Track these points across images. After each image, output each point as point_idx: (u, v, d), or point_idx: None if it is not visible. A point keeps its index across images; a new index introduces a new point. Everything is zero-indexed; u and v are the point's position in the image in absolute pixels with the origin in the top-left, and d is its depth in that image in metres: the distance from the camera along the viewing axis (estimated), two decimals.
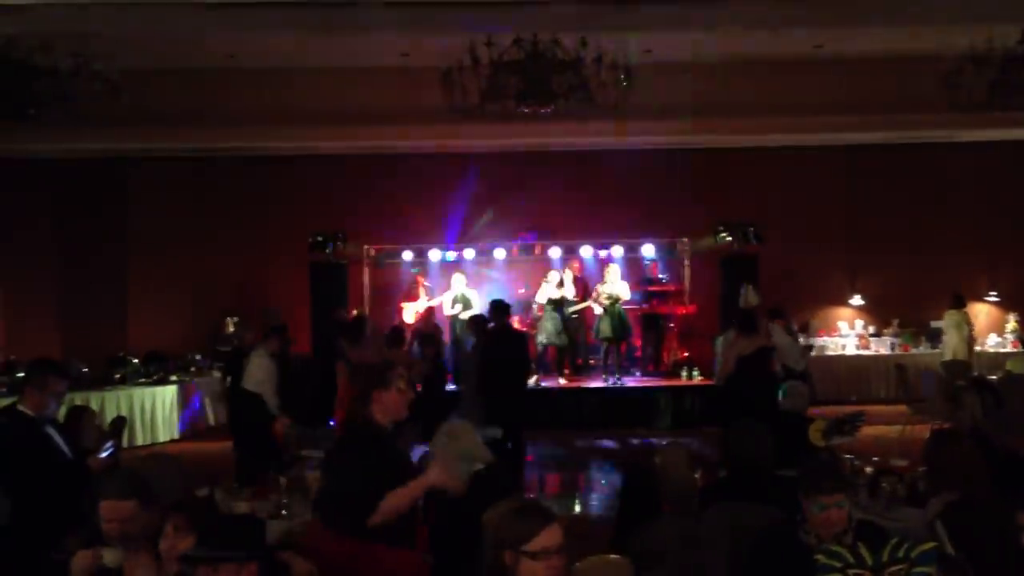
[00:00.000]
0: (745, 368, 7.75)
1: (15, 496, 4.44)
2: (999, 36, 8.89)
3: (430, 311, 11.65)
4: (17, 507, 4.42)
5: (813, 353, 13.26)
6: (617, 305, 12.17)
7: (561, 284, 12.69)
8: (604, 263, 13.05)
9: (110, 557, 3.15)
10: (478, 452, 4.50)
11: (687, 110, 12.22)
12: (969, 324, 12.82)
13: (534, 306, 12.93)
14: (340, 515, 3.47)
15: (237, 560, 2.60)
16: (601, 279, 12.57)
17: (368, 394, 3.60)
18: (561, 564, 2.58)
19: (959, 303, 12.94)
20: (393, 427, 3.63)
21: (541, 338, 12.53)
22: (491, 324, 9.09)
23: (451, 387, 10.21)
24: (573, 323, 12.77)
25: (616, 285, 12.28)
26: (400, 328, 10.39)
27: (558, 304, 12.56)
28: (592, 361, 13.14)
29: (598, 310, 12.32)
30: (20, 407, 4.67)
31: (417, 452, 5.16)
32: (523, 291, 13.47)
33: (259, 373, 7.78)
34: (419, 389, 10.31)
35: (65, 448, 4.74)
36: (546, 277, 12.81)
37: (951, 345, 12.76)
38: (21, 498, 4.44)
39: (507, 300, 9.86)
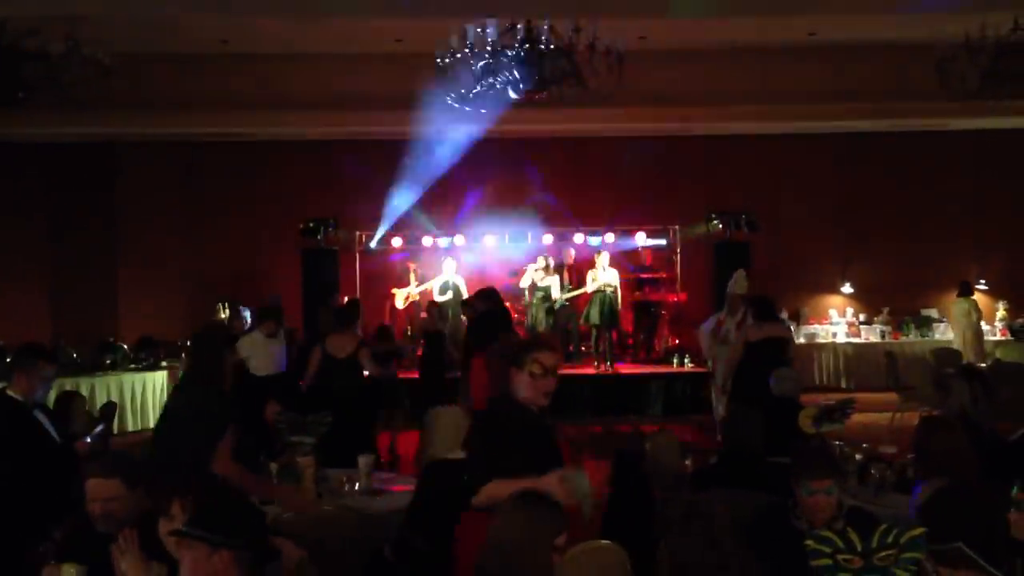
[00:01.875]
0: (753, 356, 7.59)
1: (3, 481, 4.44)
2: (992, 24, 8.89)
3: (435, 306, 11.58)
4: (5, 492, 4.42)
5: (804, 341, 13.32)
6: (607, 292, 12.21)
7: (548, 270, 12.69)
8: (594, 250, 13.05)
9: (69, 573, 3.08)
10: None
11: (680, 97, 12.21)
12: (978, 311, 12.85)
13: (525, 292, 12.94)
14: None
15: (209, 543, 2.57)
16: (591, 266, 12.61)
17: (506, 371, 3.43)
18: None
19: (966, 291, 12.95)
20: (539, 410, 3.40)
21: (530, 324, 12.57)
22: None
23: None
24: (565, 310, 12.78)
25: (607, 272, 12.32)
26: (350, 305, 10.07)
27: (544, 291, 12.57)
28: (584, 348, 13.15)
29: (593, 287, 12.35)
30: (9, 392, 4.66)
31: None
32: (513, 277, 13.47)
33: (243, 349, 7.81)
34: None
35: (54, 433, 4.74)
36: (534, 262, 12.86)
37: (961, 333, 12.75)
38: (9, 483, 4.43)
39: (496, 286, 9.84)
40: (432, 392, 9.49)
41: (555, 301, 12.63)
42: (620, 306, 12.59)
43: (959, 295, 13.01)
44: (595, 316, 12.25)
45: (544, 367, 3.35)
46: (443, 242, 13.73)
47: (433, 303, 11.29)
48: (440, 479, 4.33)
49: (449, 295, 12.53)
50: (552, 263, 12.79)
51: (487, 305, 8.76)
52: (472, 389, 7.26)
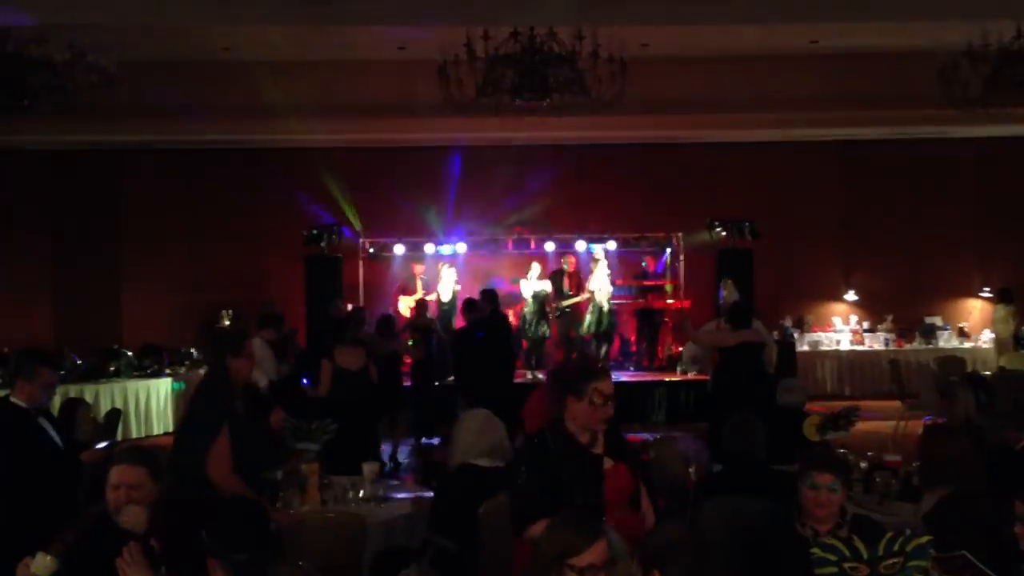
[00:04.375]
0: (729, 362, 7.66)
1: (7, 487, 4.44)
2: (995, 32, 8.89)
3: (423, 303, 11.56)
4: (9, 498, 4.42)
5: (807, 348, 13.31)
6: (603, 300, 12.26)
7: (544, 276, 12.72)
8: (591, 258, 13.06)
9: (40, 563, 3.04)
10: (503, 448, 4.51)
11: (683, 105, 12.21)
12: (1015, 318, 12.69)
13: (528, 300, 12.95)
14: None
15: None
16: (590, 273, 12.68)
17: (563, 399, 3.43)
18: None
19: (1007, 297, 12.84)
20: (587, 437, 3.42)
21: (531, 333, 12.61)
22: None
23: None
24: (567, 317, 12.77)
25: (599, 280, 12.37)
26: (391, 316, 10.19)
27: (540, 299, 12.60)
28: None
29: (587, 296, 12.41)
30: (13, 399, 4.67)
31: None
32: (515, 284, 13.47)
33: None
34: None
35: (58, 440, 4.74)
36: (528, 270, 12.88)
37: (1000, 339, 12.67)
38: (13, 489, 4.44)
39: (499, 295, 9.88)
40: (429, 397, 9.53)
41: (555, 308, 12.61)
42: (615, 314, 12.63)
43: (998, 301, 12.90)
44: (592, 325, 12.31)
45: (604, 396, 3.39)
46: (445, 249, 13.73)
47: (422, 301, 11.34)
48: (464, 484, 4.34)
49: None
50: (541, 270, 12.79)
51: (491, 307, 8.78)
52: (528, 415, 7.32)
